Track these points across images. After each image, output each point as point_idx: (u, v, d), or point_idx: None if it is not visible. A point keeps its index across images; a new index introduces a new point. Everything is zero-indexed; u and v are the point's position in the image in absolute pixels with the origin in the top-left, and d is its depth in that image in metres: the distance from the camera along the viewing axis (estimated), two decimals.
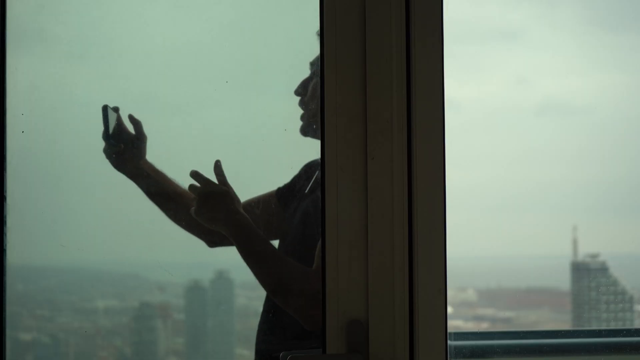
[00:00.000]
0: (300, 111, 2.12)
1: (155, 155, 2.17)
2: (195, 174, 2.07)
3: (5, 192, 2.04)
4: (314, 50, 2.00)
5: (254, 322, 2.16)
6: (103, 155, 2.14)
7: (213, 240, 2.16)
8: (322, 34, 1.91)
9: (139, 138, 2.15)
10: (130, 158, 2.13)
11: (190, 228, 2.15)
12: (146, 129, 2.16)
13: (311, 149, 2.07)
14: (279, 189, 2.18)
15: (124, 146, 2.13)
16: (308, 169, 2.15)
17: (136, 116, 2.15)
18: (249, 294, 2.39)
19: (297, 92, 2.12)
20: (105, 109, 2.10)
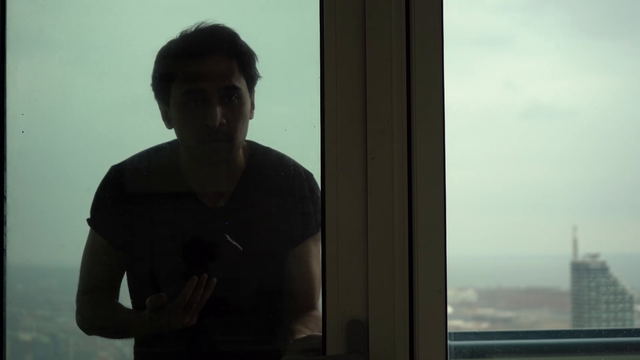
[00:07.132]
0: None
1: None
2: None
3: (5, 192, 2.04)
4: (314, 50, 2.00)
5: None
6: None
7: None
8: (322, 33, 1.91)
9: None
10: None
11: None
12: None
13: (311, 149, 2.07)
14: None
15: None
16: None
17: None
18: None
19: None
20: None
